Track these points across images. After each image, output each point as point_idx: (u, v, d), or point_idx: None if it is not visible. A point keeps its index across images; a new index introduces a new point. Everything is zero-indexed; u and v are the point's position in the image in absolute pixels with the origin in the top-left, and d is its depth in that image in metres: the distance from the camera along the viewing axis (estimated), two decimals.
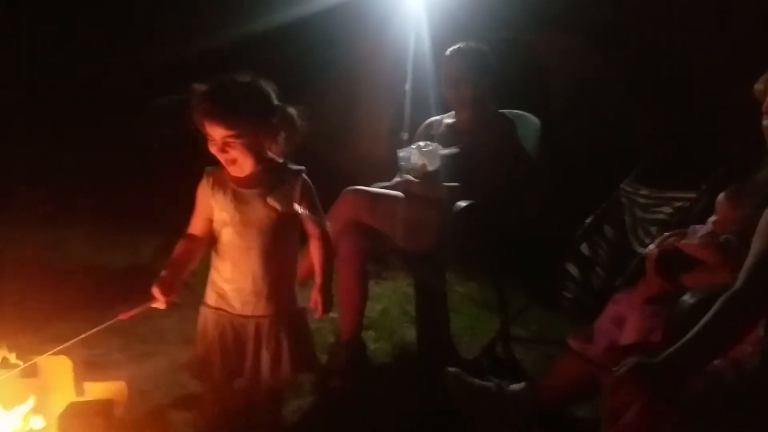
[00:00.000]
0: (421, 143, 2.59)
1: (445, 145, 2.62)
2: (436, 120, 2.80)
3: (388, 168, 2.73)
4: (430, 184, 2.53)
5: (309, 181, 1.83)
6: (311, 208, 1.83)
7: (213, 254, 1.84)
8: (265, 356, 1.79)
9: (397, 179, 2.65)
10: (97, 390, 1.78)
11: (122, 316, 1.72)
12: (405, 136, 2.87)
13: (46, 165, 4.07)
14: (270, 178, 1.79)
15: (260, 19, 3.68)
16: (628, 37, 3.42)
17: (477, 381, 2.11)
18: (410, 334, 2.74)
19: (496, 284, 2.66)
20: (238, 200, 1.77)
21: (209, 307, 1.83)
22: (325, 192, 2.57)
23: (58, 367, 1.77)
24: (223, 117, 1.66)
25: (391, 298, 3.10)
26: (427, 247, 2.43)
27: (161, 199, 1.87)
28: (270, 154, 1.80)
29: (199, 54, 3.54)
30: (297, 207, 1.79)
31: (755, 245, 1.34)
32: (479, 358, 2.60)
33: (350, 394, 2.33)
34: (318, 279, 1.83)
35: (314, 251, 1.84)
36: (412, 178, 2.56)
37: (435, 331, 2.59)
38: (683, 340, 1.28)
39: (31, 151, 4.07)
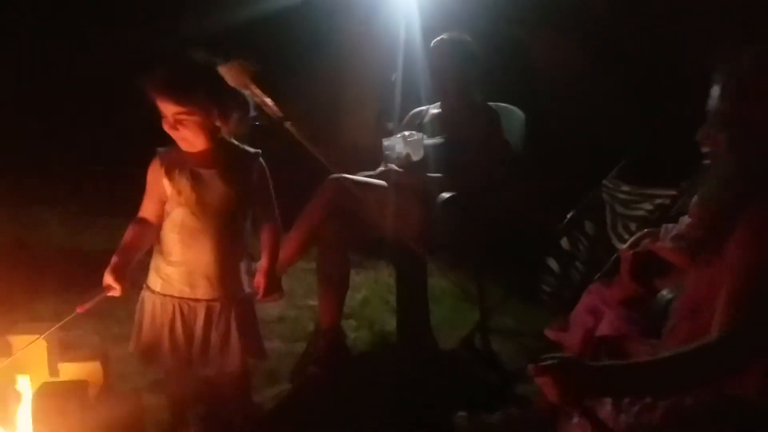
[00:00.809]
0: (407, 133, 2.58)
1: (431, 136, 2.62)
2: (422, 110, 2.80)
3: (373, 157, 2.73)
4: (414, 174, 2.53)
5: (264, 164, 1.83)
6: (268, 191, 1.83)
7: (157, 238, 1.81)
8: (215, 340, 1.78)
9: (381, 168, 2.65)
10: (72, 371, 1.76)
11: (80, 310, 1.68)
12: (391, 125, 2.86)
13: (24, 147, 4.01)
14: (226, 159, 1.78)
15: (249, 5, 3.64)
16: (618, 34, 3.43)
17: (487, 418, 2.05)
18: (390, 323, 2.74)
19: (477, 276, 2.67)
20: (196, 180, 1.75)
21: (155, 293, 1.80)
22: (310, 180, 2.58)
23: (32, 347, 1.74)
24: (171, 93, 1.67)
25: (372, 287, 3.11)
26: (410, 238, 2.43)
27: (140, 181, 1.85)
28: (225, 136, 1.79)
29: (187, 39, 3.50)
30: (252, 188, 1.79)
31: (732, 287, 1.22)
32: (458, 349, 2.62)
33: (328, 382, 2.33)
34: (264, 262, 1.83)
35: (264, 235, 1.85)
36: (397, 168, 2.56)
37: (415, 322, 2.59)
38: (634, 361, 1.25)
39: (9, 133, 4.01)
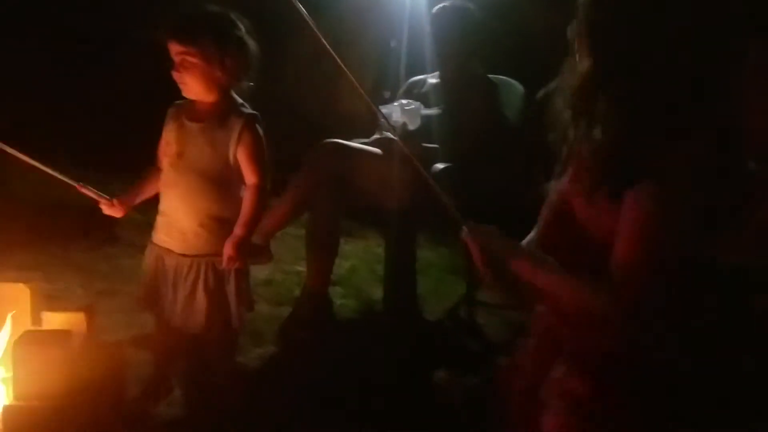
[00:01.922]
0: (404, 101, 2.56)
1: (428, 105, 2.60)
2: (420, 79, 2.76)
3: (368, 124, 2.70)
4: (410, 143, 2.50)
5: (256, 127, 1.77)
6: (251, 155, 1.75)
7: None
8: (180, 296, 1.78)
9: (376, 136, 2.62)
10: (55, 320, 1.73)
11: (79, 187, 1.75)
12: (387, 93, 2.82)
13: (19, 96, 3.94)
14: (218, 115, 1.77)
15: None
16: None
17: (468, 380, 2.02)
18: (377, 293, 2.74)
19: (465, 249, 2.66)
20: (182, 132, 1.77)
21: (151, 241, 1.85)
22: (304, 145, 2.55)
23: (15, 295, 1.72)
24: (176, 31, 1.70)
25: (361, 257, 3.10)
26: (402, 207, 2.41)
27: (135, 138, 1.87)
28: (233, 94, 1.79)
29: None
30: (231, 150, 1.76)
31: (631, 233, 1.20)
32: (443, 320, 2.63)
33: (312, 346, 2.34)
34: (236, 230, 1.75)
35: (244, 201, 1.77)
36: (392, 136, 2.53)
37: (401, 292, 2.59)
38: (537, 259, 1.34)
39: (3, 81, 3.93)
